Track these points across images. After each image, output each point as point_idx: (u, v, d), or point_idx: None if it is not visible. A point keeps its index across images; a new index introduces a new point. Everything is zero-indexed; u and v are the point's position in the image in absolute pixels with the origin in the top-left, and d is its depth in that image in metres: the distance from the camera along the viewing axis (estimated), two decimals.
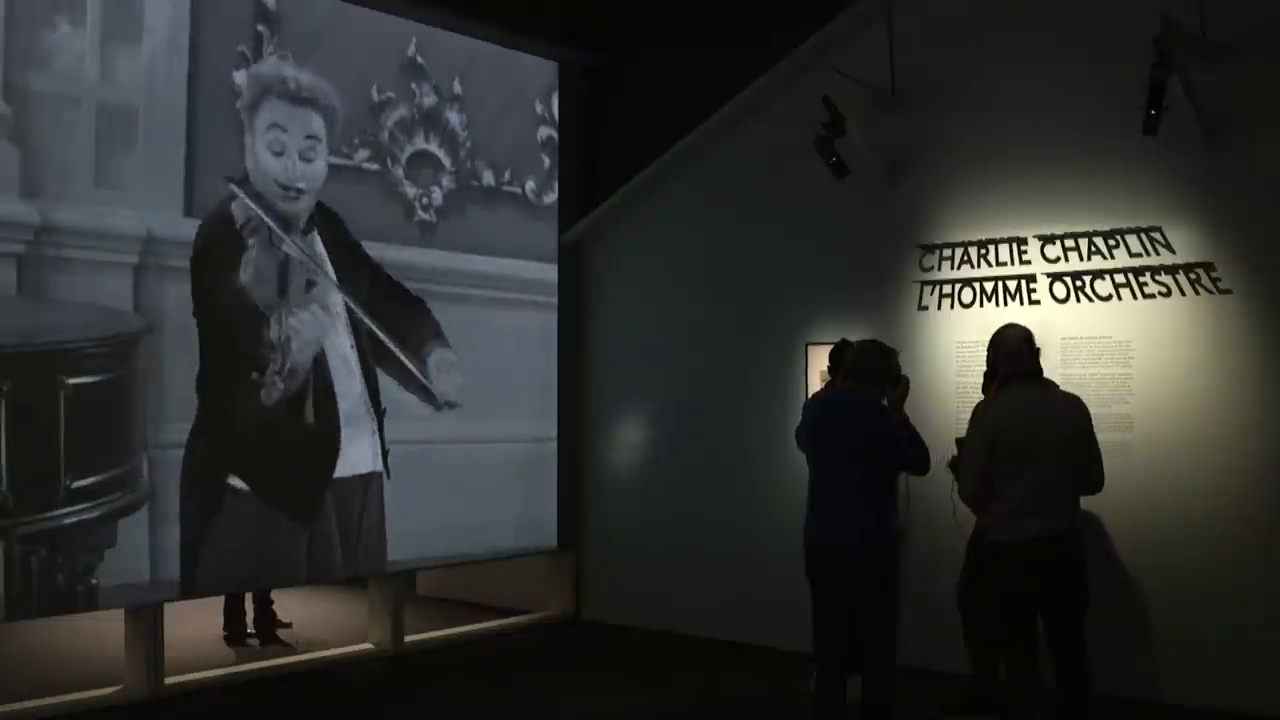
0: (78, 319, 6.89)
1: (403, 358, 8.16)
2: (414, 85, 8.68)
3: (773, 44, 8.68)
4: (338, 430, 7.93)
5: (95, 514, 6.92)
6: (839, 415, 5.92)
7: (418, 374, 8.24)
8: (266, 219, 7.45)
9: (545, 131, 9.66)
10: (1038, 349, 5.69)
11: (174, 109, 7.35)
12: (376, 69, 8.45)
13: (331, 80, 8.12)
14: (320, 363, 7.82)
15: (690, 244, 9.24)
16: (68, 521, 6.80)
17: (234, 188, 7.40)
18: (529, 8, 9.41)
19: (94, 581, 6.92)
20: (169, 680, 7.49)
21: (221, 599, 8.71)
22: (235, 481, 7.47)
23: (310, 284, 7.71)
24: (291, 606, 9.34)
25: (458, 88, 8.96)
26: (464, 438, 8.93)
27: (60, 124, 6.88)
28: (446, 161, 8.89)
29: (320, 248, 7.93)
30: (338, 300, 7.97)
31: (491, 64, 9.25)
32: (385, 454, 8.30)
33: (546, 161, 9.67)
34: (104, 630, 8.11)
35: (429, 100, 8.77)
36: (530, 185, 9.53)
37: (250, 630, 8.91)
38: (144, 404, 7.16)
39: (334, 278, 7.90)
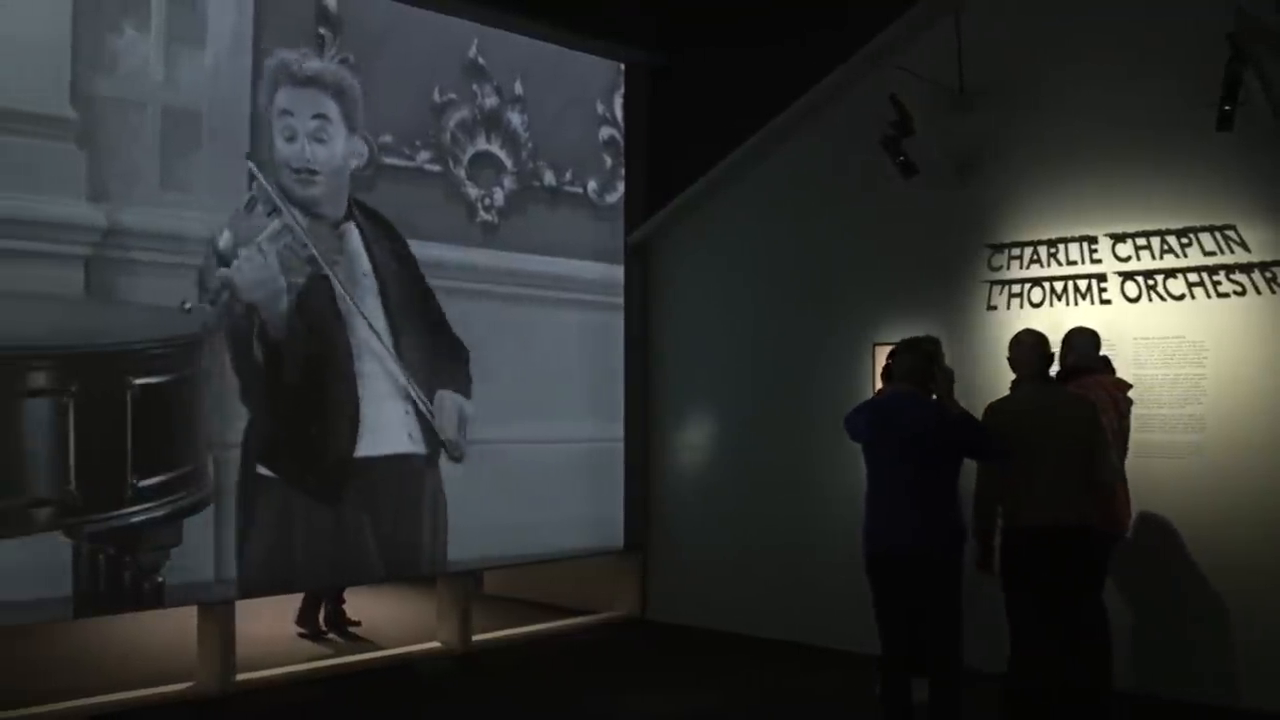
0: (143, 320, 6.99)
1: (409, 386, 8.14)
2: (475, 86, 8.71)
3: (838, 43, 8.59)
4: (356, 408, 7.88)
5: (161, 513, 7.02)
6: (892, 416, 5.86)
7: (422, 404, 8.21)
8: (270, 189, 7.46)
9: (607, 131, 9.65)
10: (1051, 354, 6.14)
11: (237, 112, 7.44)
12: (438, 70, 8.49)
13: (392, 82, 8.18)
14: (328, 337, 7.75)
15: (756, 244, 9.17)
16: (134, 520, 6.90)
17: (251, 165, 7.41)
18: (592, 8, 9.38)
19: (160, 579, 7.02)
20: (240, 676, 7.57)
21: (288, 596, 8.78)
22: (263, 469, 7.48)
23: (311, 260, 7.63)
24: (362, 605, 9.43)
25: (519, 88, 8.98)
26: (528, 438, 8.96)
27: (126, 128, 6.98)
28: (508, 162, 8.91)
29: (356, 242, 7.94)
30: (371, 286, 7.96)
31: (552, 64, 9.26)
32: (445, 444, 8.33)
33: (608, 161, 9.66)
34: (178, 626, 8.24)
35: (490, 101, 8.80)
36: (592, 185, 9.53)
37: (323, 627, 9.03)
38: (208, 404, 7.25)
39: (368, 269, 7.93)
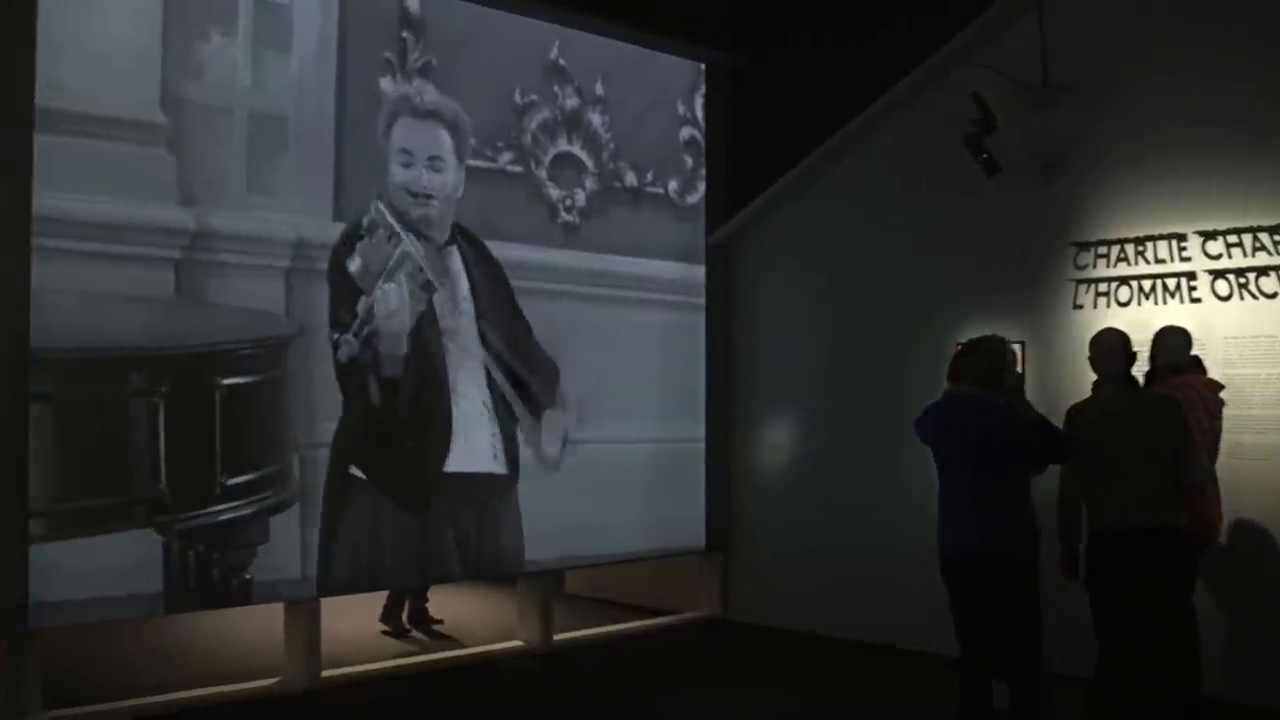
0: (231, 322, 7.11)
1: (497, 406, 8.22)
2: (556, 88, 8.75)
3: (919, 40, 8.51)
4: (449, 425, 7.97)
5: (249, 511, 7.13)
6: (958, 418, 5.82)
7: (521, 426, 8.34)
8: (390, 217, 7.60)
9: (688, 132, 9.64)
10: (1134, 353, 6.00)
11: (322, 115, 7.54)
12: (519, 72, 8.54)
13: (474, 84, 8.23)
14: (430, 357, 7.83)
15: (837, 243, 9.12)
16: (223, 518, 7.02)
17: (379, 202, 7.60)
18: (671, 9, 9.37)
19: (248, 576, 7.13)
20: (325, 673, 7.66)
21: (372, 595, 8.87)
22: (355, 471, 7.57)
23: (426, 284, 7.78)
24: (444, 603, 9.50)
25: (600, 89, 9.00)
26: (610, 438, 8.98)
27: (214, 132, 7.11)
28: (589, 163, 8.95)
29: (458, 265, 8.04)
30: (469, 309, 8.06)
31: (633, 65, 9.28)
32: (544, 459, 8.44)
33: (689, 162, 9.65)
34: (263, 624, 8.37)
35: (571, 102, 8.84)
36: (673, 186, 9.53)
37: (406, 626, 9.12)
38: (294, 404, 7.35)
39: (467, 293, 8.04)
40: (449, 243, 8.01)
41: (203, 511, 6.95)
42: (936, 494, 5.93)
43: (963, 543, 5.76)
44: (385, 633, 9.06)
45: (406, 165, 7.77)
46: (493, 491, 8.27)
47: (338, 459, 7.49)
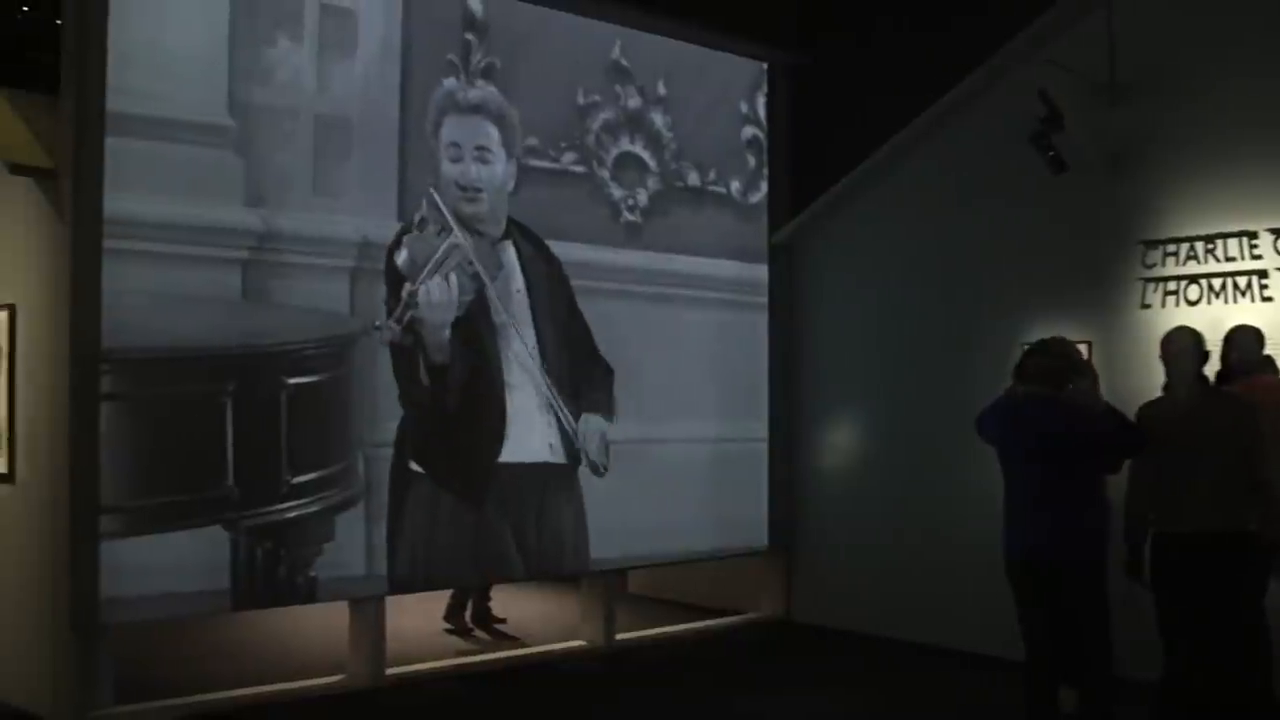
0: (297, 321, 7.20)
1: (553, 399, 8.22)
2: (618, 88, 8.77)
3: (984, 38, 8.44)
4: (504, 416, 7.99)
5: (314, 509, 7.22)
6: (1020, 418, 5.78)
7: (565, 420, 8.30)
8: (441, 212, 7.67)
9: (750, 131, 9.62)
10: (1207, 352, 5.88)
11: (387, 118, 7.61)
12: (581, 72, 8.57)
13: (537, 85, 8.28)
14: (482, 349, 7.87)
15: (901, 243, 9.06)
16: (289, 516, 7.11)
17: (432, 192, 7.65)
18: (733, 8, 9.36)
19: (313, 574, 7.21)
20: (390, 670, 7.72)
21: (436, 593, 8.91)
22: (414, 466, 7.62)
23: (476, 276, 7.80)
24: (507, 603, 9.54)
25: (662, 89, 9.01)
26: (672, 437, 8.99)
27: (280, 135, 7.20)
28: (652, 163, 8.96)
29: (512, 259, 8.07)
30: (523, 302, 8.09)
31: (695, 64, 9.27)
32: (589, 464, 8.43)
33: (751, 161, 9.63)
34: (328, 621, 8.45)
35: (633, 102, 8.85)
36: (735, 185, 9.51)
37: (470, 624, 9.17)
38: (359, 403, 7.42)
39: (521, 286, 8.08)
40: (504, 238, 8.04)
41: (269, 509, 7.04)
42: (1002, 495, 5.88)
43: (1028, 545, 5.72)
44: (449, 631, 9.11)
45: (455, 160, 7.81)
46: (551, 483, 8.27)
47: (398, 454, 7.54)
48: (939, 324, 8.79)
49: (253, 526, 6.95)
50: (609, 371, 8.59)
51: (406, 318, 7.47)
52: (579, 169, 8.53)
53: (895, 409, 9.06)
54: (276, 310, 7.14)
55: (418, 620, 9.03)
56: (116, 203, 6.63)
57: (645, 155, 8.92)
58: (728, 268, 9.43)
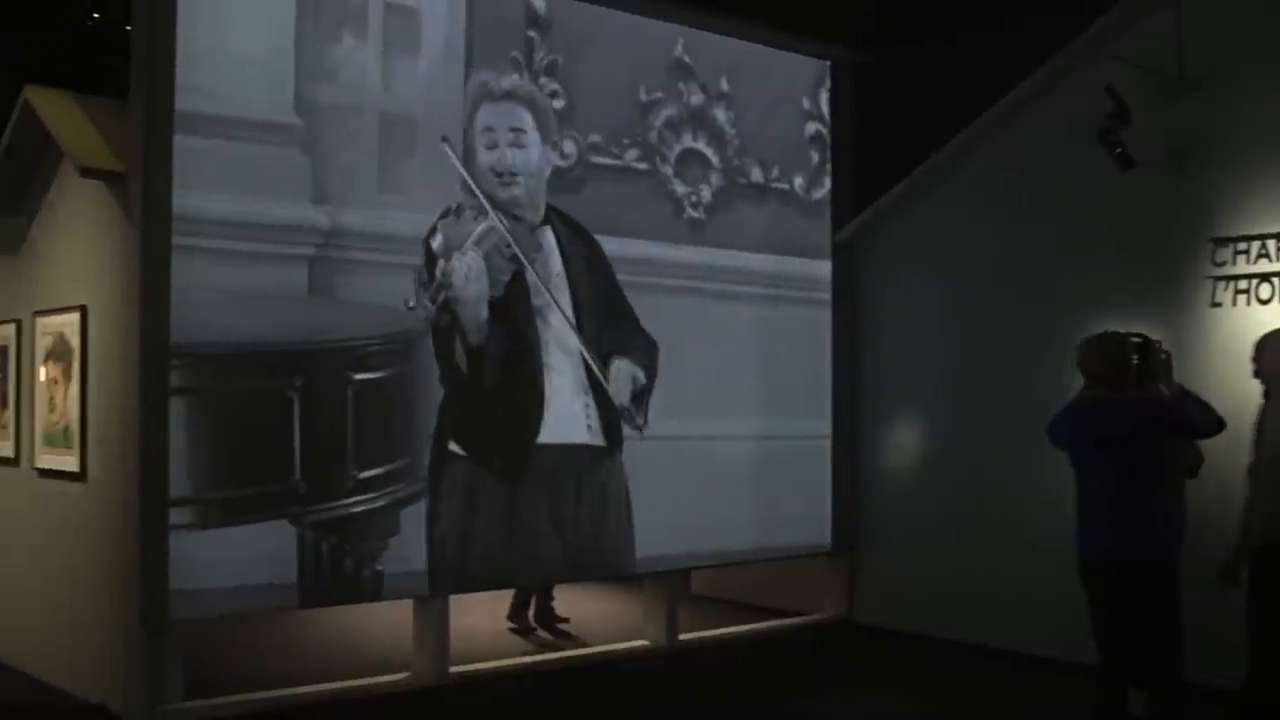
0: (363, 318, 7.25)
1: (583, 350, 8.12)
2: (682, 84, 8.77)
3: (1050, 35, 8.35)
4: (541, 397, 7.94)
5: (380, 504, 7.26)
6: (1089, 420, 5.75)
7: (596, 370, 8.18)
8: (479, 197, 7.64)
9: (813, 127, 9.58)
10: None
11: (450, 115, 7.65)
12: (644, 69, 8.58)
13: (600, 82, 8.31)
14: (520, 330, 7.83)
15: (966, 240, 8.98)
16: (355, 510, 7.16)
17: (446, 146, 7.55)
18: (796, 6, 9.33)
19: (379, 569, 7.26)
20: (454, 669, 7.75)
21: (499, 592, 8.92)
22: (454, 447, 7.58)
23: (514, 258, 7.77)
24: (570, 602, 9.53)
25: (725, 85, 9.00)
26: (734, 434, 8.96)
27: (345, 133, 7.26)
28: (714, 159, 8.94)
29: (551, 243, 8.03)
30: (562, 286, 8.04)
31: (758, 61, 9.25)
32: (620, 412, 8.31)
33: (815, 157, 9.59)
34: (392, 619, 8.47)
35: (696, 99, 8.85)
36: (799, 181, 9.47)
37: (532, 624, 9.17)
38: (423, 399, 7.45)
39: (560, 269, 8.04)
40: (542, 223, 8.02)
41: (336, 503, 7.10)
42: (1074, 496, 5.83)
43: (1101, 546, 5.67)
44: (512, 630, 9.12)
45: (490, 146, 7.78)
46: (589, 464, 8.20)
47: (438, 436, 7.52)
48: (1004, 323, 8.69)
49: (319, 521, 7.01)
50: (653, 344, 8.51)
51: (441, 296, 7.43)
52: (642, 166, 8.55)
53: (959, 408, 8.98)
54: (342, 306, 7.20)
55: (482, 619, 9.04)
56: (187, 201, 6.71)
57: (708, 152, 8.91)
58: (791, 264, 9.40)
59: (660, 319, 8.58)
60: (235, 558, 6.75)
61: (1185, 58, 7.62)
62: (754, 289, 9.15)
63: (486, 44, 7.81)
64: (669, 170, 8.70)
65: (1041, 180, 8.49)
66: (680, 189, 8.75)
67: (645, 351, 8.49)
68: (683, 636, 8.84)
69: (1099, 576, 5.68)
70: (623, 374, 8.25)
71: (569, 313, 8.04)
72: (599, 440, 8.25)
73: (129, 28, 7.30)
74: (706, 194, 8.89)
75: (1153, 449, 5.64)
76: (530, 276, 7.85)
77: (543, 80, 8.05)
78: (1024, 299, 8.57)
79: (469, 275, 7.49)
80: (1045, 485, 8.04)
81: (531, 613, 9.19)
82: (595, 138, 8.29)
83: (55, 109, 7.51)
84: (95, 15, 14.19)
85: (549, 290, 7.95)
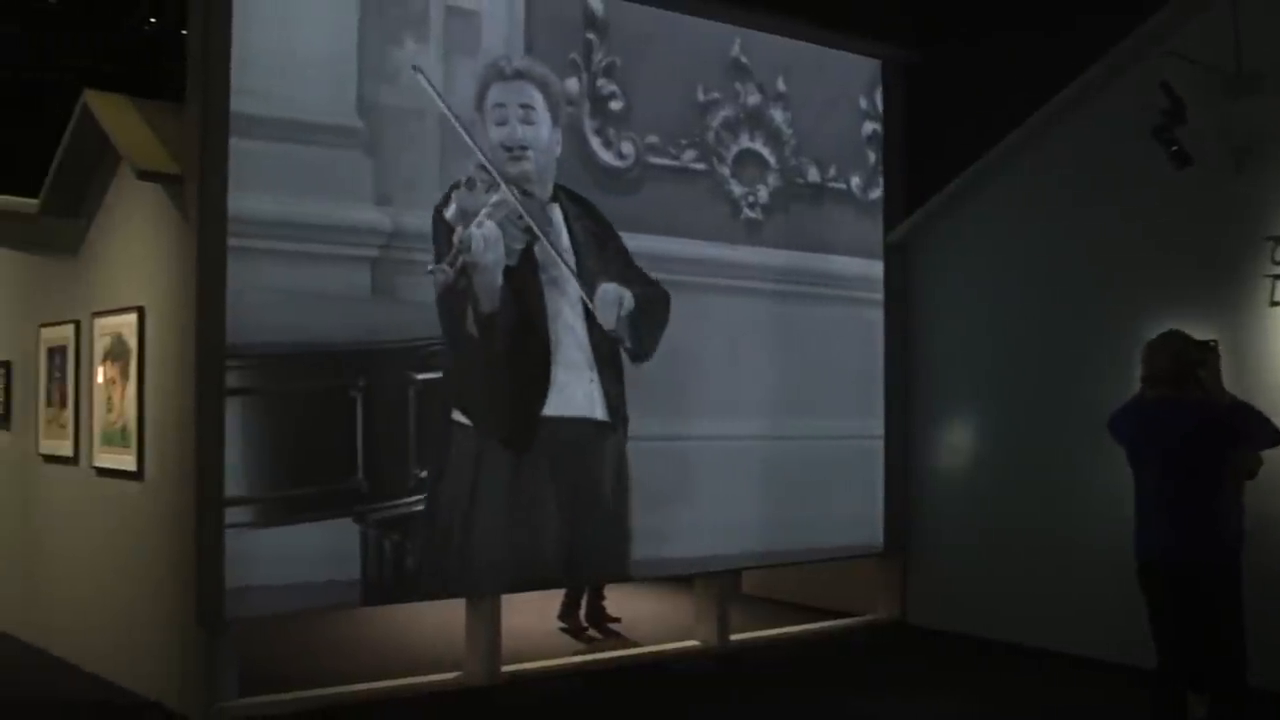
0: (424, 319, 7.29)
1: (577, 282, 7.99)
2: (738, 85, 8.77)
3: (1104, 31, 8.30)
4: (549, 371, 7.84)
5: None
6: (1151, 420, 5.71)
7: (586, 300, 8.01)
8: (490, 173, 7.57)
9: (870, 127, 9.57)
10: None
11: None
12: (701, 70, 8.59)
13: (657, 83, 8.33)
14: (529, 303, 7.73)
15: (1020, 240, 8.94)
16: (417, 509, 7.21)
17: (419, 75, 7.39)
18: (847, 6, 9.33)
19: (439, 567, 7.30)
20: (505, 668, 7.77)
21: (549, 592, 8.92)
22: (458, 416, 7.50)
23: (528, 230, 7.71)
24: (621, 602, 9.56)
25: (781, 85, 8.99)
26: (788, 434, 8.94)
27: (407, 135, 7.30)
28: (772, 159, 8.94)
29: (559, 219, 7.94)
30: (570, 261, 7.94)
31: (815, 61, 9.24)
32: (611, 336, 8.13)
33: (872, 157, 9.58)
34: (442, 618, 8.55)
35: (753, 99, 8.85)
36: (856, 181, 9.46)
37: (584, 623, 9.19)
38: None
39: (568, 245, 7.95)
40: (551, 200, 7.97)
41: (397, 502, 7.15)
42: (1131, 496, 5.79)
43: (1161, 547, 5.63)
44: (563, 630, 9.14)
45: (501, 122, 7.71)
46: (594, 439, 8.08)
47: (442, 405, 7.44)
48: (1057, 323, 8.65)
49: (381, 519, 7.06)
50: (664, 293, 8.34)
51: (459, 261, 7.39)
52: (699, 166, 8.56)
53: (1013, 408, 8.93)
54: (404, 307, 7.25)
55: (532, 619, 9.08)
56: (253, 204, 6.77)
57: (765, 152, 8.91)
58: (849, 264, 9.40)
59: (716, 319, 8.59)
60: (295, 556, 6.81)
61: (1244, 53, 7.56)
62: (809, 289, 9.13)
63: (545, 46, 7.85)
64: (726, 171, 8.70)
65: (1094, 179, 8.45)
66: (737, 189, 8.75)
67: (653, 293, 8.35)
68: (734, 637, 8.83)
69: (1157, 578, 5.64)
70: (609, 296, 8.05)
71: (576, 288, 7.95)
72: (603, 415, 8.11)
73: (184, 32, 7.40)
74: (763, 194, 8.89)
75: (1214, 450, 5.60)
76: (540, 250, 7.79)
77: (601, 82, 8.09)
78: (1076, 298, 8.54)
79: (487, 241, 7.45)
80: (1100, 484, 8.04)
81: (583, 612, 9.21)
82: (653, 138, 8.31)
83: (113, 112, 7.58)
84: (152, 20, 14.38)
85: (559, 266, 7.87)
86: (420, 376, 7.23)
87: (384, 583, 7.12)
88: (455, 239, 7.39)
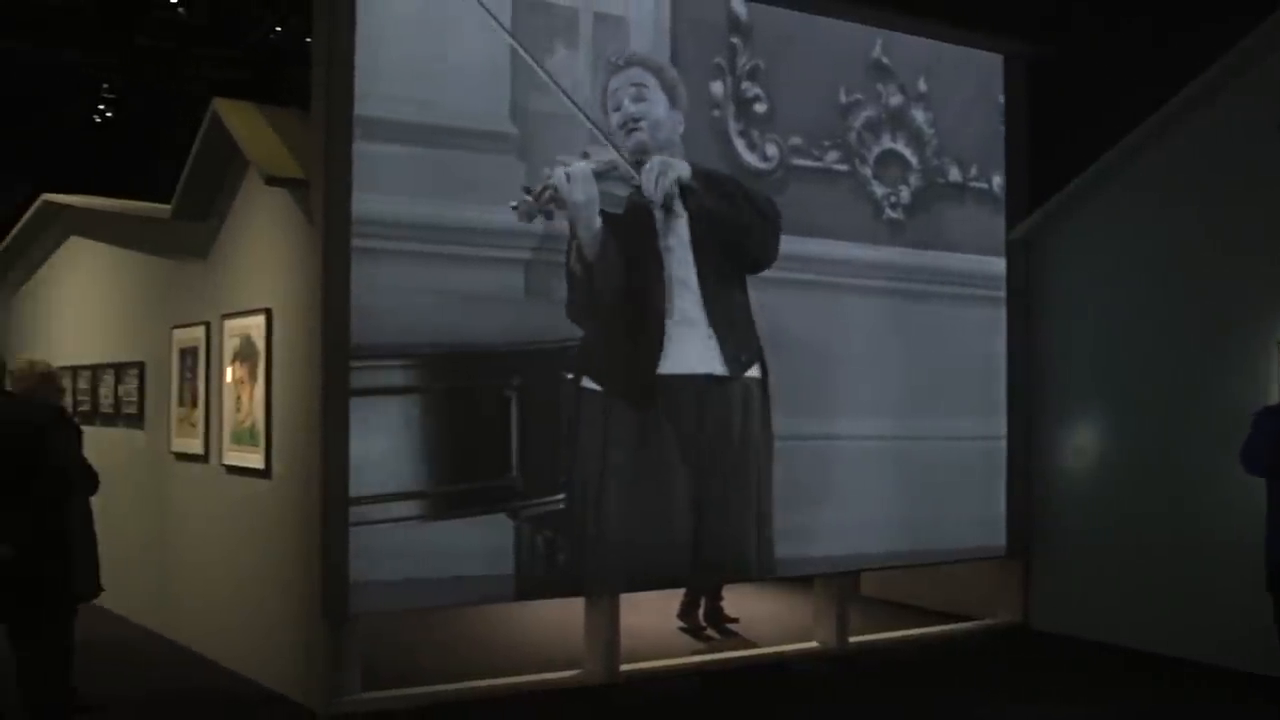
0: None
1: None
2: (880, 86, 8.74)
3: (1234, 22, 8.12)
4: (663, 331, 7.79)
5: None
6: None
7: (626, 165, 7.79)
8: (606, 140, 7.57)
9: None
10: None
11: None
12: (843, 72, 8.57)
13: (800, 85, 8.33)
14: (644, 267, 7.71)
15: (1147, 237, 8.76)
16: (566, 506, 7.30)
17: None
18: (973, 2, 9.19)
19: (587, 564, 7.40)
20: (624, 667, 7.78)
21: (666, 591, 8.84)
22: (588, 383, 7.50)
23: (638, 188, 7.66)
24: (740, 602, 9.55)
25: (922, 85, 8.94)
26: (913, 434, 8.86)
27: (558, 140, 7.35)
28: (913, 160, 8.89)
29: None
30: (683, 229, 7.87)
31: (955, 60, 9.18)
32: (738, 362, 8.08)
33: None
34: (564, 616, 8.52)
35: (895, 100, 8.80)
36: (997, 180, 9.38)
37: (702, 623, 9.17)
38: None
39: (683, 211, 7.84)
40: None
41: (549, 499, 7.25)
42: (1264, 504, 5.77)
43: None
44: (682, 629, 9.14)
45: (616, 107, 7.72)
46: (713, 394, 7.97)
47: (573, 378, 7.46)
48: (1186, 323, 8.48)
49: (534, 515, 7.18)
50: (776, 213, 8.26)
51: (546, 194, 7.33)
52: (842, 167, 8.53)
53: (1142, 409, 8.76)
54: (558, 308, 7.34)
55: (652, 618, 9.09)
56: (411, 208, 6.92)
57: (907, 153, 8.86)
58: (990, 264, 9.32)
59: (855, 319, 8.58)
60: (457, 548, 6.96)
61: None
62: (949, 289, 9.06)
63: (690, 50, 7.89)
64: (868, 171, 8.67)
65: (1222, 176, 8.28)
66: (879, 190, 8.71)
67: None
68: (853, 639, 8.76)
69: None
70: (654, 164, 7.78)
71: (689, 255, 7.87)
72: (723, 369, 8.00)
73: (309, 40, 7.53)
74: (905, 194, 8.84)
75: None
76: (656, 215, 7.75)
77: (745, 85, 8.09)
78: (1206, 298, 8.36)
79: (574, 177, 7.39)
80: (1234, 490, 7.82)
81: (701, 612, 9.18)
82: (796, 140, 8.29)
83: (241, 120, 7.73)
84: (277, 28, 14.64)
85: (674, 234, 7.80)
86: (571, 376, 7.35)
87: (536, 578, 7.24)
88: (546, 177, 7.37)
